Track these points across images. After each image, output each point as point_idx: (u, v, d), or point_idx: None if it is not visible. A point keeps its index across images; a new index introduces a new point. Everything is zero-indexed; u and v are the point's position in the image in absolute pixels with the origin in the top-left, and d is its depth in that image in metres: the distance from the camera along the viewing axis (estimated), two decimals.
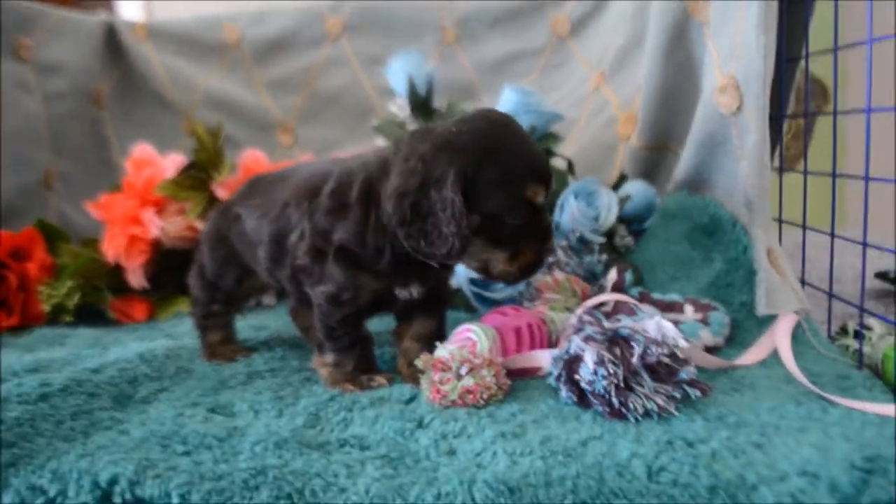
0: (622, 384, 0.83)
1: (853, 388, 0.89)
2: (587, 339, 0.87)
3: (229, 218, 1.10)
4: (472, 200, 0.84)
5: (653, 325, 0.90)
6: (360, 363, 0.98)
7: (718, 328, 1.10)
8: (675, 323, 1.07)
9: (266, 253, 1.03)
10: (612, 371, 0.83)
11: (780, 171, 1.27)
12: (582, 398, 0.87)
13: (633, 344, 0.86)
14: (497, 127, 0.88)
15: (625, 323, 0.90)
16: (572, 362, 0.87)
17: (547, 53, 2.10)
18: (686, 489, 0.66)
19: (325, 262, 0.94)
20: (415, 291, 0.97)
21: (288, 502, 0.67)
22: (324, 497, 0.67)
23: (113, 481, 0.69)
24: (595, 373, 0.84)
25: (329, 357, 0.97)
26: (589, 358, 0.85)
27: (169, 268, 1.49)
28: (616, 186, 1.55)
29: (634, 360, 0.85)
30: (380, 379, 0.97)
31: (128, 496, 0.68)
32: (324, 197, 0.95)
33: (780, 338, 1.00)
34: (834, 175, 1.08)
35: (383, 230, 0.90)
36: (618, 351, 0.85)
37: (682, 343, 0.91)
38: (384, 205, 0.87)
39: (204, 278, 1.14)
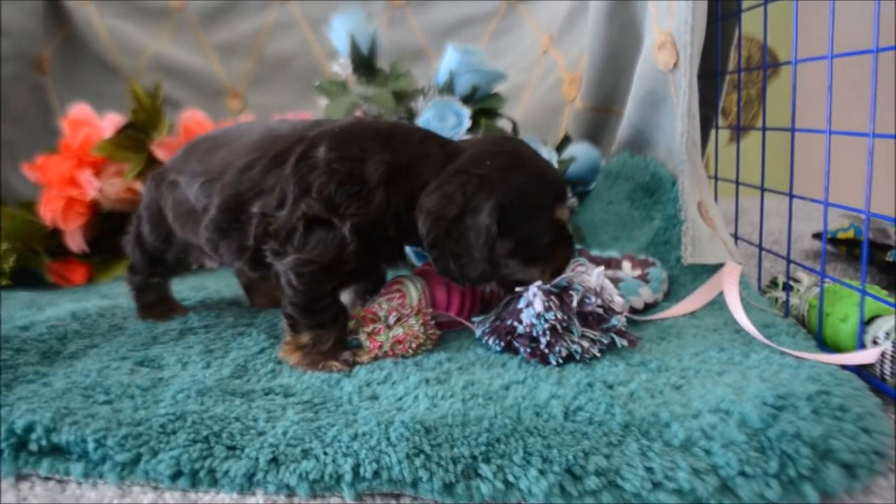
0: (559, 329, 0.85)
1: (777, 335, 0.90)
2: (542, 290, 0.88)
3: (164, 188, 1.02)
4: (506, 230, 0.86)
5: (594, 276, 0.91)
6: (339, 338, 0.90)
7: (657, 284, 1.11)
8: (616, 280, 1.09)
9: (213, 223, 0.94)
10: (558, 317, 0.85)
11: (717, 129, 1.28)
12: (509, 345, 0.88)
13: (571, 293, 0.87)
14: (521, 159, 0.91)
15: (565, 275, 0.91)
16: (509, 315, 0.88)
17: (498, 18, 2.09)
18: (600, 426, 0.67)
19: (319, 231, 0.87)
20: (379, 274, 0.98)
21: (205, 445, 0.66)
22: (241, 440, 0.67)
23: (29, 428, 0.68)
24: (538, 316, 0.85)
25: (305, 336, 0.88)
26: (538, 304, 0.86)
27: (109, 231, 1.46)
28: (560, 148, 1.55)
29: (574, 305, 0.86)
30: (361, 353, 0.89)
31: (44, 443, 0.68)
32: (322, 161, 0.88)
33: (726, 286, 1.00)
34: (764, 129, 1.10)
35: (398, 222, 0.89)
36: (558, 300, 0.87)
37: (618, 299, 0.92)
38: (418, 221, 0.87)
39: (144, 250, 1.08)
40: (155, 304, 1.12)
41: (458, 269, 0.86)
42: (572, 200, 1.52)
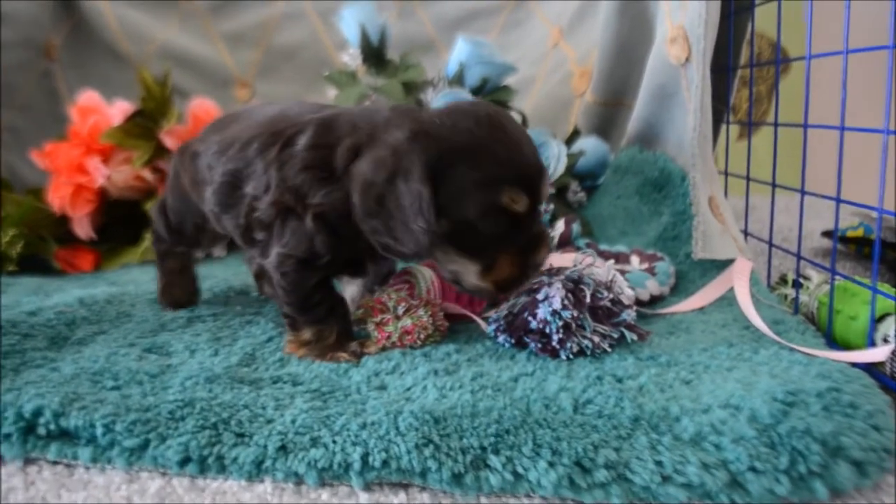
0: (573, 326, 0.84)
1: (787, 332, 0.90)
2: (564, 286, 0.87)
3: (187, 158, 1.01)
4: (442, 203, 0.75)
5: (604, 269, 0.91)
6: (343, 329, 0.88)
7: (664, 278, 1.11)
8: (623, 272, 1.09)
9: (215, 195, 0.93)
10: (574, 315, 0.84)
11: (728, 124, 1.28)
12: (520, 340, 0.88)
13: (582, 287, 0.87)
14: (483, 124, 0.77)
15: (576, 267, 0.90)
16: (525, 307, 0.88)
17: (507, 11, 2.09)
18: (610, 420, 0.67)
19: (292, 221, 0.84)
20: (385, 265, 0.96)
21: (213, 432, 0.66)
22: (250, 427, 0.67)
23: (37, 413, 0.68)
24: (554, 314, 0.84)
25: (307, 333, 0.87)
26: (557, 301, 0.85)
27: (117, 218, 1.47)
28: (569, 141, 1.55)
29: (587, 301, 0.86)
30: (369, 343, 0.88)
31: (52, 427, 0.68)
32: (299, 149, 0.84)
33: (738, 282, 0.99)
34: (776, 125, 1.09)
35: None
36: (573, 295, 0.87)
37: (628, 292, 0.92)
38: (352, 193, 0.79)
39: (167, 220, 1.08)
40: (178, 271, 1.11)
41: (393, 242, 0.77)
42: (580, 195, 1.52)
